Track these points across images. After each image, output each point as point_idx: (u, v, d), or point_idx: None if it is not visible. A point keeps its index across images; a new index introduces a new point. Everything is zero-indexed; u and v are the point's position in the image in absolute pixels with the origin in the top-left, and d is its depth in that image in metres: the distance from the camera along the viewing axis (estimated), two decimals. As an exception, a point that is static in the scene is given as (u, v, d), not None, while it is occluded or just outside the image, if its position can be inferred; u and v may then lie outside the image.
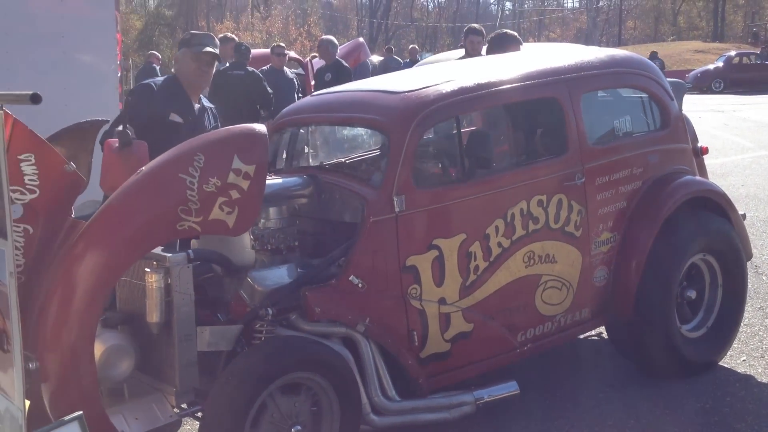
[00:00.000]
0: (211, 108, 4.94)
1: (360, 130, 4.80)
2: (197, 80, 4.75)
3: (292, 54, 12.19)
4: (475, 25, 7.81)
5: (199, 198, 3.18)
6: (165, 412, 3.52)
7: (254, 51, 13.63)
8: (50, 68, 7.11)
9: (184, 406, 3.57)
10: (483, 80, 4.05)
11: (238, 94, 8.88)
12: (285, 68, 10.49)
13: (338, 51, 13.94)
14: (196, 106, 4.78)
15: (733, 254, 4.58)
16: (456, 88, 3.95)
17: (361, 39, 15.99)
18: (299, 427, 3.39)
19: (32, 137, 2.94)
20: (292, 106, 4.77)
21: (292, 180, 4.07)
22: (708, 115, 20.21)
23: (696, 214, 4.50)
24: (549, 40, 53.86)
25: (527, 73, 4.20)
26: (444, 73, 4.33)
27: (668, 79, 14.21)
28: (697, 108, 22.13)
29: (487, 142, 3.90)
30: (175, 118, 4.59)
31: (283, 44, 10.85)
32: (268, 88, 9.02)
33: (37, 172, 2.94)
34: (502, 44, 5.65)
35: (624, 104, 4.80)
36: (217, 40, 4.85)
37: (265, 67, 10.10)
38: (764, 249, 7.05)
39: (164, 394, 3.55)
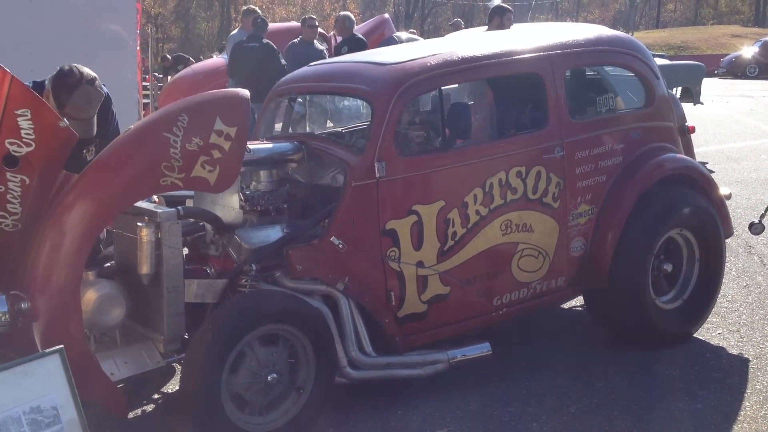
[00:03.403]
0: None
1: (358, 102, 4.98)
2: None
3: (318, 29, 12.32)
4: (501, 4, 8.04)
5: (182, 156, 3.43)
6: (153, 358, 3.78)
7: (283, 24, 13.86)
8: (72, 35, 7.37)
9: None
10: (467, 54, 4.21)
11: (252, 66, 9.09)
12: (315, 41, 10.63)
13: (364, 27, 14.11)
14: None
15: (711, 231, 4.70)
16: (440, 62, 4.11)
17: (386, 15, 16.03)
18: (275, 375, 3.61)
19: (28, 94, 3.19)
20: (289, 75, 4.95)
21: (283, 145, 4.27)
22: (736, 100, 20.08)
23: (674, 190, 4.62)
24: (587, 20, 53.36)
25: (512, 48, 4.35)
26: (433, 47, 4.50)
27: (688, 62, 14.19)
28: (726, 93, 22.00)
29: (466, 113, 4.07)
30: None
31: (314, 17, 11.02)
32: (282, 60, 9.20)
33: (32, 126, 3.18)
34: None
35: (609, 82, 4.92)
36: (93, 94, 3.82)
37: (296, 39, 10.25)
38: (762, 231, 7.13)
39: (153, 342, 3.81)
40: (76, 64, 3.87)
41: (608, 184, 4.50)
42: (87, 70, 3.85)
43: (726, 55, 32.91)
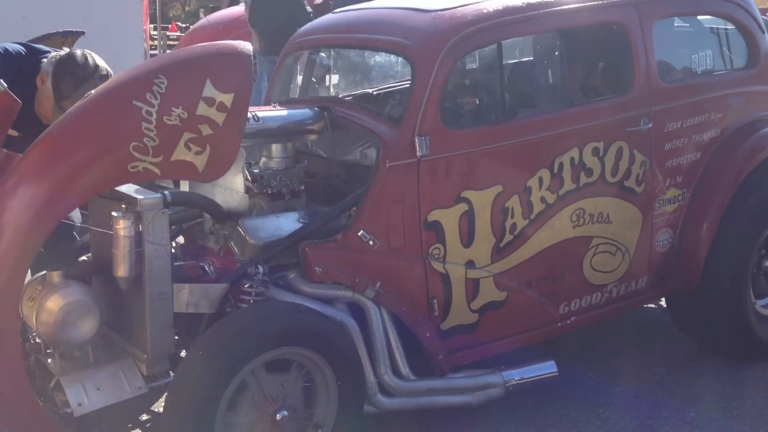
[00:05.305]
0: None
1: (395, 58, 4.21)
2: (49, 119, 3.46)
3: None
4: None
5: (158, 133, 2.66)
6: (134, 382, 3.05)
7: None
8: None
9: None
10: (534, 0, 3.41)
11: (275, 15, 8.38)
12: None
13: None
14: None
15: (826, 221, 3.98)
16: (500, 8, 3.41)
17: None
18: (285, 412, 2.93)
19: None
20: (308, 25, 4.22)
21: (301, 112, 3.59)
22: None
23: (784, 171, 3.94)
24: None
25: (590, -7, 3.58)
26: (489, -10, 3.69)
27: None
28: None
29: (532, 75, 3.32)
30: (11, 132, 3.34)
31: None
32: (308, 7, 8.44)
33: (-39, 90, 2.43)
34: None
35: (705, 36, 4.20)
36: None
37: None
38: None
39: (135, 360, 3.10)
40: (89, 52, 3.44)
41: (703, 164, 3.87)
42: (102, 63, 3.43)
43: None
